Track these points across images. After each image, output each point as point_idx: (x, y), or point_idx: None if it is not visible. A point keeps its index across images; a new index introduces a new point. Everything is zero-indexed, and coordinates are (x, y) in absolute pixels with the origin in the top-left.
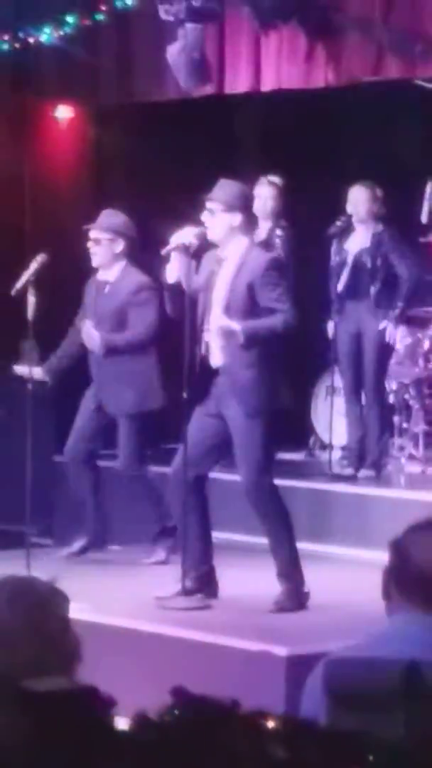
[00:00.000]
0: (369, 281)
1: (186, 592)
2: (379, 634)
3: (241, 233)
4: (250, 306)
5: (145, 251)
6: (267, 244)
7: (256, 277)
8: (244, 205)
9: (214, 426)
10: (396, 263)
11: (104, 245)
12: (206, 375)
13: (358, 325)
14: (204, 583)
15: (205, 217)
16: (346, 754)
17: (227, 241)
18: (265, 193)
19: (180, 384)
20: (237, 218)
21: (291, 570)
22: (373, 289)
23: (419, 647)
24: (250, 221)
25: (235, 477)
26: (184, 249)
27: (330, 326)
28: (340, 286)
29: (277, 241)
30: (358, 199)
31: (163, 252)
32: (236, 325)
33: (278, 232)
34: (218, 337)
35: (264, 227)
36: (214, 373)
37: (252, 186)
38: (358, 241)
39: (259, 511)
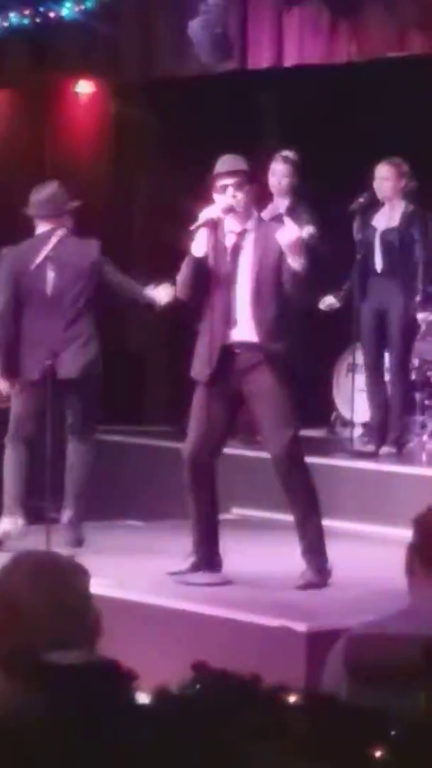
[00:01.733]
0: (397, 260)
1: (195, 568)
2: (400, 610)
3: (253, 206)
4: (279, 280)
5: (167, 227)
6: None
7: (277, 252)
8: (250, 179)
9: (227, 404)
10: (419, 243)
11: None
12: (226, 353)
13: (383, 303)
14: (208, 559)
15: (227, 191)
16: (368, 730)
17: (246, 215)
18: (281, 169)
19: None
20: (254, 190)
21: (318, 545)
22: (400, 270)
23: None
24: (259, 195)
25: (258, 453)
26: (213, 224)
27: (327, 300)
28: (378, 265)
29: (303, 216)
30: (384, 176)
31: (193, 227)
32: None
33: (302, 208)
34: (250, 310)
35: (281, 204)
36: (235, 350)
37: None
38: (386, 219)
39: (288, 482)
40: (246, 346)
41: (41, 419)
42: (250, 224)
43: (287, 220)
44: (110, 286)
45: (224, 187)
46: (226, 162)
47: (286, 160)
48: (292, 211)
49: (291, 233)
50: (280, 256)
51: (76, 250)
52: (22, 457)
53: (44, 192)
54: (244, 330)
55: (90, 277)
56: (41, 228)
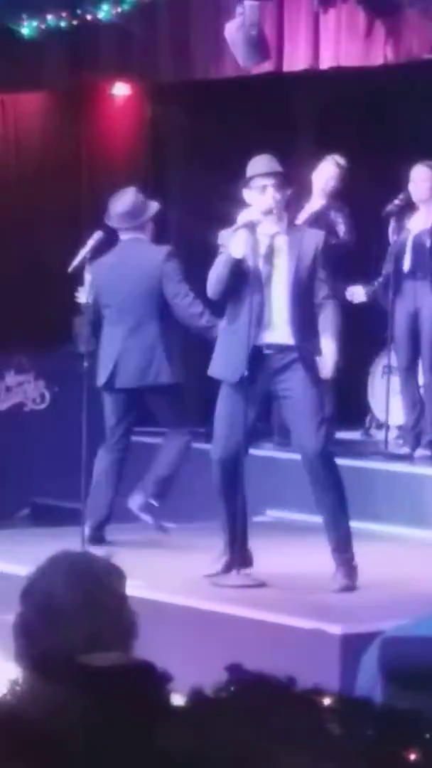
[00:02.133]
0: (427, 262)
1: (228, 569)
2: None
3: (283, 210)
4: (312, 283)
5: (200, 229)
6: (318, 221)
7: (311, 255)
8: (282, 182)
9: (255, 406)
10: None
11: None
12: (258, 354)
13: (417, 304)
14: (238, 559)
15: (267, 192)
16: (403, 733)
17: (282, 216)
18: (329, 171)
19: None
20: (277, 195)
21: (348, 545)
22: (431, 270)
23: None
24: (288, 200)
25: (293, 456)
26: (252, 226)
27: (357, 291)
28: (406, 266)
29: (339, 220)
30: (420, 178)
31: (233, 229)
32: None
33: (336, 213)
34: (288, 312)
35: (317, 203)
36: (269, 351)
37: (310, 165)
38: (420, 221)
39: (319, 481)
40: (279, 347)
41: (127, 425)
42: (282, 226)
43: (326, 360)
44: (166, 300)
45: (264, 188)
46: (263, 162)
47: (337, 164)
48: (325, 213)
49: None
50: (315, 260)
51: (147, 257)
52: (109, 463)
53: (124, 203)
54: (278, 331)
55: (153, 286)
56: (124, 236)
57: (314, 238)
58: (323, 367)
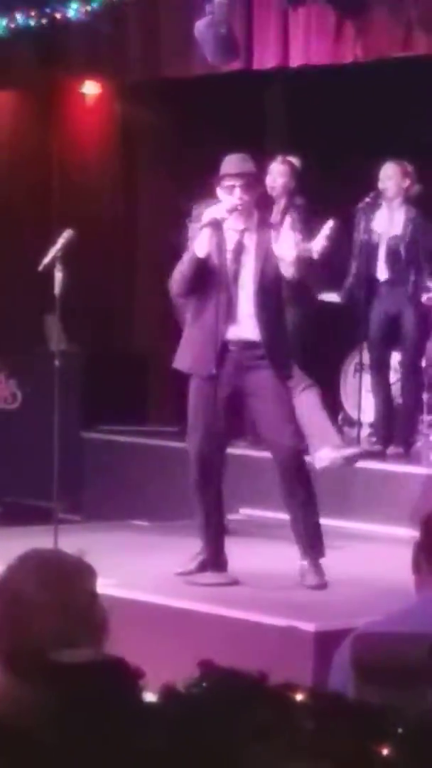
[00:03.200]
0: (405, 269)
1: (202, 568)
2: (407, 609)
3: (256, 207)
4: (280, 279)
5: (172, 227)
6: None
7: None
8: (254, 181)
9: (230, 402)
10: (424, 251)
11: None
12: (229, 351)
13: (396, 307)
14: (214, 557)
15: (236, 191)
16: (375, 728)
17: (250, 215)
18: (278, 170)
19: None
20: (259, 191)
21: (317, 544)
22: (411, 278)
23: None
24: (261, 197)
25: (265, 454)
26: (217, 224)
27: (329, 296)
28: (382, 274)
29: (294, 218)
30: (388, 175)
31: (199, 227)
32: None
33: (294, 210)
34: (253, 308)
35: (278, 205)
36: (238, 348)
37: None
38: (390, 223)
39: (291, 479)
40: (247, 343)
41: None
42: (251, 223)
43: (287, 234)
44: None
45: (231, 188)
46: (234, 162)
47: (284, 161)
48: (283, 214)
49: (287, 251)
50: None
51: None
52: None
53: None
54: (246, 328)
55: None
56: None
57: (286, 231)
58: (315, 242)
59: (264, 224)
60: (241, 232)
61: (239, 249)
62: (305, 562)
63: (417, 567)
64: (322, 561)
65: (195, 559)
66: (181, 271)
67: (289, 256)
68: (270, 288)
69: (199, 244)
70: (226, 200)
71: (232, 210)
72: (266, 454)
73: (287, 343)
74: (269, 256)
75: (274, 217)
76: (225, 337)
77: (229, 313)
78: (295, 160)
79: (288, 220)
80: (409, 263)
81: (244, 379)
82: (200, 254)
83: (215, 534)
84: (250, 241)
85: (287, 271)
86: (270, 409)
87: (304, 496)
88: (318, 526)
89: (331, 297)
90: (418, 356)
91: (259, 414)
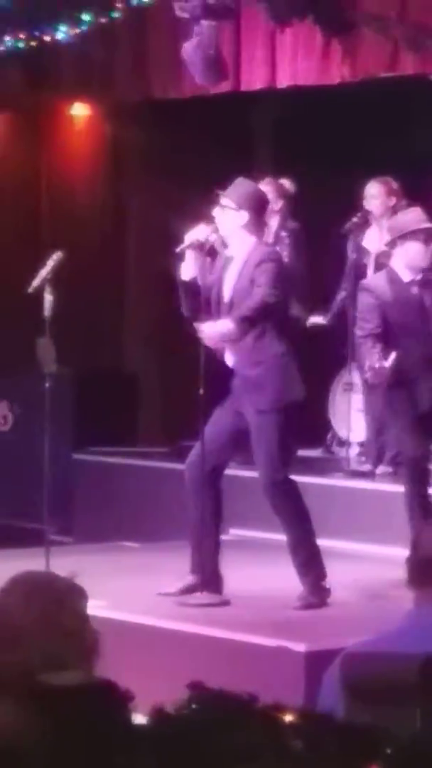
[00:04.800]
0: None
1: (190, 589)
2: (396, 629)
3: (248, 232)
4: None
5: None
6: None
7: (254, 270)
8: (254, 205)
9: (232, 422)
10: None
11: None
12: (224, 372)
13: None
14: (209, 579)
15: (216, 212)
16: (364, 748)
17: (234, 239)
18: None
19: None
20: (244, 217)
21: (311, 567)
22: None
23: None
24: (259, 222)
25: (252, 474)
26: (199, 246)
27: (314, 319)
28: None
29: (285, 242)
30: (373, 194)
31: (178, 249)
32: (224, 324)
33: (283, 233)
34: (223, 340)
35: (271, 226)
36: (231, 370)
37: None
38: (376, 239)
39: (275, 507)
40: (233, 369)
41: None
42: (238, 249)
43: (212, 329)
44: None
45: (222, 208)
46: (232, 184)
47: (271, 182)
48: (276, 237)
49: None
50: (252, 281)
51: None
52: None
53: None
54: (228, 354)
55: None
56: None
57: (258, 256)
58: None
59: (251, 246)
60: (228, 257)
61: (223, 273)
62: (303, 584)
63: (411, 584)
64: (327, 582)
65: (183, 580)
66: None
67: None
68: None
69: (184, 267)
70: (219, 220)
71: (213, 232)
72: (255, 474)
73: (271, 371)
74: (242, 277)
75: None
76: (224, 361)
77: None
78: (286, 183)
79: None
80: None
81: (239, 403)
82: (185, 277)
83: (209, 555)
84: (234, 265)
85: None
86: (252, 438)
87: (291, 523)
88: (312, 548)
89: (317, 320)
90: None
91: (248, 439)
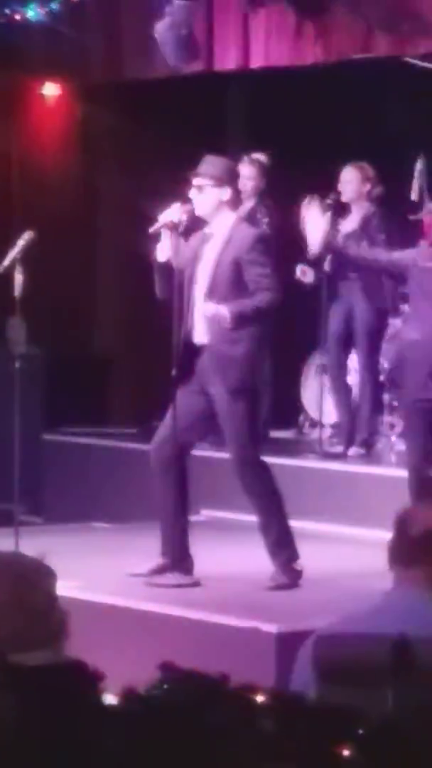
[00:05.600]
0: (358, 267)
1: (160, 569)
2: (368, 609)
3: (229, 209)
4: (235, 282)
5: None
6: (250, 223)
7: (242, 253)
8: (233, 180)
9: (198, 403)
10: (381, 246)
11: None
12: (190, 352)
13: (350, 305)
14: (179, 560)
15: (193, 193)
16: (335, 729)
17: (215, 217)
18: (246, 172)
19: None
20: (226, 193)
21: (282, 548)
22: (362, 273)
23: (409, 622)
24: (238, 197)
25: (224, 455)
26: (173, 227)
27: (303, 270)
28: (327, 267)
29: (261, 220)
30: (348, 179)
31: (152, 230)
32: (224, 310)
33: (261, 213)
34: (204, 316)
35: (247, 206)
36: (198, 350)
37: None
38: (349, 222)
39: (246, 487)
40: (204, 348)
41: None
42: (219, 226)
43: (213, 307)
44: None
45: (199, 188)
46: (202, 162)
47: (252, 162)
48: (252, 215)
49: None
50: (239, 260)
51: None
52: None
53: None
54: (201, 332)
55: None
56: None
57: (242, 239)
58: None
59: (232, 227)
60: (205, 235)
61: (199, 252)
62: (274, 565)
63: (391, 564)
64: (299, 563)
65: (154, 561)
66: (154, 275)
67: (224, 323)
68: (221, 291)
69: (159, 247)
70: (194, 200)
71: (187, 212)
72: (227, 455)
73: (246, 351)
74: (225, 259)
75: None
76: (189, 341)
77: (190, 317)
78: (262, 158)
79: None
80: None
81: (206, 382)
82: (160, 258)
83: (178, 536)
84: (212, 244)
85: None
86: (221, 419)
87: (262, 503)
88: (283, 528)
89: (309, 277)
90: (374, 356)
91: (219, 421)
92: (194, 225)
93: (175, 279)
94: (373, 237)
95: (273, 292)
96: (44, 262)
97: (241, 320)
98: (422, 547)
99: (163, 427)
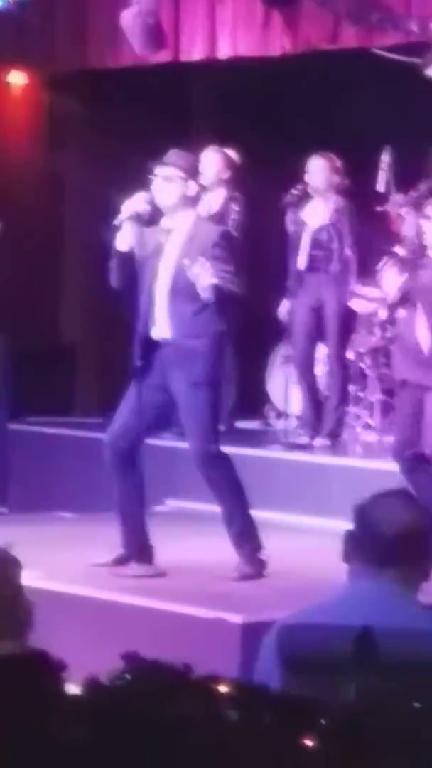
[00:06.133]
0: (328, 258)
1: (121, 560)
2: (332, 600)
3: (191, 205)
4: None
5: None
6: (221, 216)
7: (206, 250)
8: (197, 176)
9: (155, 397)
10: (349, 239)
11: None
12: (150, 346)
13: (319, 298)
14: (138, 549)
15: (158, 183)
16: (299, 719)
17: (177, 210)
18: (207, 158)
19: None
20: (192, 187)
21: (246, 538)
22: (332, 266)
23: (373, 614)
24: (199, 195)
25: (186, 445)
26: (137, 217)
27: (283, 305)
28: (301, 261)
29: (231, 211)
30: (316, 169)
31: (116, 221)
32: (208, 268)
33: (229, 204)
34: (166, 307)
35: (216, 197)
36: (157, 344)
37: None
38: (317, 214)
39: (208, 480)
40: (164, 342)
41: None
42: (181, 219)
43: (202, 264)
44: None
45: (166, 178)
46: (169, 154)
47: (217, 151)
48: (223, 208)
49: (201, 278)
50: (205, 256)
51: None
52: None
53: None
54: (160, 326)
55: None
56: None
57: (206, 236)
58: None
59: (193, 221)
60: (168, 228)
61: (161, 245)
62: (239, 556)
63: (346, 556)
64: (263, 554)
65: (114, 551)
66: (110, 264)
67: (205, 281)
68: (186, 288)
69: (121, 237)
70: (158, 192)
71: (150, 202)
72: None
73: (208, 344)
74: (189, 253)
75: (213, 207)
76: (148, 335)
77: (149, 311)
78: (231, 153)
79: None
80: (331, 252)
81: (166, 377)
82: (121, 247)
83: (135, 526)
84: (175, 237)
85: (203, 292)
86: (182, 412)
87: (225, 495)
88: (246, 519)
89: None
90: (343, 348)
91: (180, 413)
92: (156, 216)
93: (136, 269)
94: (343, 232)
95: (235, 288)
96: (10, 252)
97: (216, 289)
98: (399, 547)
99: (119, 421)
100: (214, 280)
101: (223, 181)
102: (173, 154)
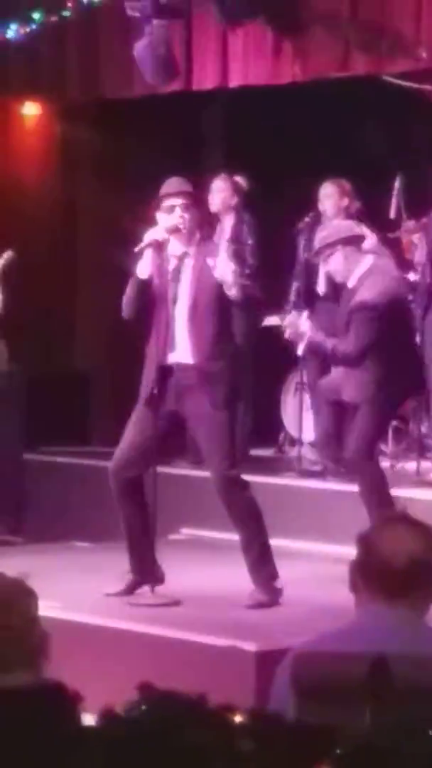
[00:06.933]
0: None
1: (132, 587)
2: (346, 627)
3: (199, 228)
4: (217, 302)
5: (112, 248)
6: (235, 241)
7: (222, 261)
8: (199, 200)
9: (158, 426)
10: None
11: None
12: (163, 373)
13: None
14: (148, 575)
15: (177, 212)
16: (313, 748)
17: (192, 236)
18: (215, 186)
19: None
20: (201, 212)
21: (263, 566)
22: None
23: (386, 641)
24: (207, 218)
25: (203, 473)
26: (158, 245)
27: (271, 320)
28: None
29: (247, 236)
30: (326, 194)
31: (137, 249)
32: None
33: (244, 227)
34: (187, 330)
35: (227, 222)
36: (168, 371)
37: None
38: None
39: (228, 504)
40: (183, 366)
41: None
42: (192, 246)
43: (223, 256)
44: None
45: (171, 208)
46: (173, 183)
47: (225, 179)
48: (236, 233)
49: (223, 272)
50: (219, 282)
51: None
52: None
53: None
54: (182, 351)
55: None
56: None
57: (217, 249)
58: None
59: (203, 246)
60: (181, 255)
61: (177, 272)
62: (254, 582)
63: (354, 585)
64: (279, 582)
65: (124, 579)
66: (126, 292)
67: (229, 278)
68: (205, 311)
69: (141, 265)
70: (167, 221)
71: (173, 230)
72: (206, 474)
73: (226, 368)
74: (205, 279)
75: (224, 233)
76: (165, 361)
77: (167, 337)
78: (240, 179)
79: (225, 246)
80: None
81: (182, 403)
82: (142, 276)
83: (143, 552)
84: (189, 264)
85: (230, 292)
86: (202, 436)
87: (244, 518)
88: (263, 546)
89: (273, 321)
90: None
91: (197, 439)
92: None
93: (154, 297)
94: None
95: (256, 291)
96: (25, 281)
97: (242, 288)
98: (409, 578)
99: (123, 449)
100: (238, 278)
101: (231, 207)
102: (180, 183)
